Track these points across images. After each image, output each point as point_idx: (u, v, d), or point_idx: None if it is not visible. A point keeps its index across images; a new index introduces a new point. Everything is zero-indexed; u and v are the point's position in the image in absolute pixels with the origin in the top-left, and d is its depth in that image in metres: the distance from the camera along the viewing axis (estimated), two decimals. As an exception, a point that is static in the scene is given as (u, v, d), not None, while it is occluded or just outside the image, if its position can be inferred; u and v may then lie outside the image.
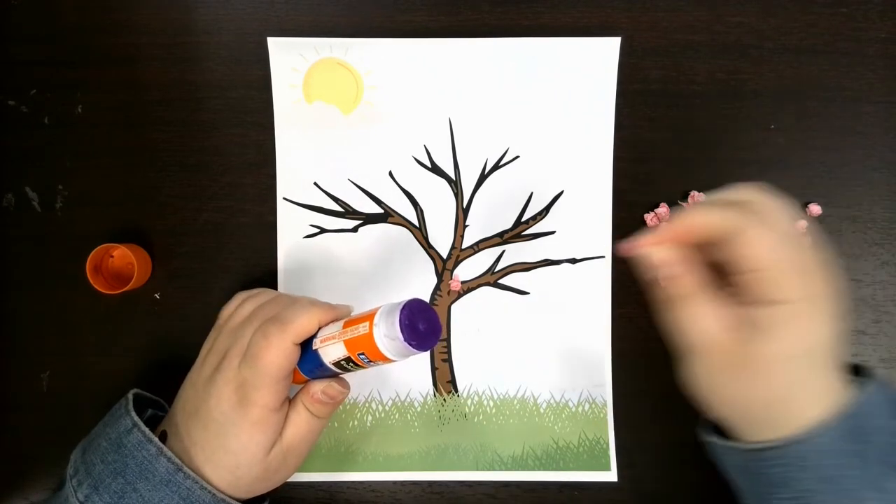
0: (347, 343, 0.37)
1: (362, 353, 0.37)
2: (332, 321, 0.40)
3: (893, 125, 0.51)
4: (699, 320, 0.34)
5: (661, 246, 0.35)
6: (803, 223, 0.45)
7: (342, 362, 0.38)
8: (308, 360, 0.40)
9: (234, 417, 0.39)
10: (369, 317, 0.37)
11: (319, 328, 0.40)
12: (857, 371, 0.38)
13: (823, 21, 0.51)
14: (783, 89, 0.51)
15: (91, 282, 0.47)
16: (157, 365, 0.50)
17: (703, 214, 0.34)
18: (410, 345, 0.35)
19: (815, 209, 0.50)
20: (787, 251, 0.33)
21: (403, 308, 0.36)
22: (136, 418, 0.40)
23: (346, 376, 0.42)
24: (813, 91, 0.51)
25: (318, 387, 0.41)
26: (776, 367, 0.33)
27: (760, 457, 0.35)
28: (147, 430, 0.39)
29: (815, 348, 0.33)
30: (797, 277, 0.32)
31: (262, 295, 0.44)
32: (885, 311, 0.50)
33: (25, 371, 0.50)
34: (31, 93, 0.51)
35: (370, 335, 0.36)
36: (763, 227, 0.33)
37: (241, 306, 0.44)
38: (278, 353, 0.38)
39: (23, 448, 0.50)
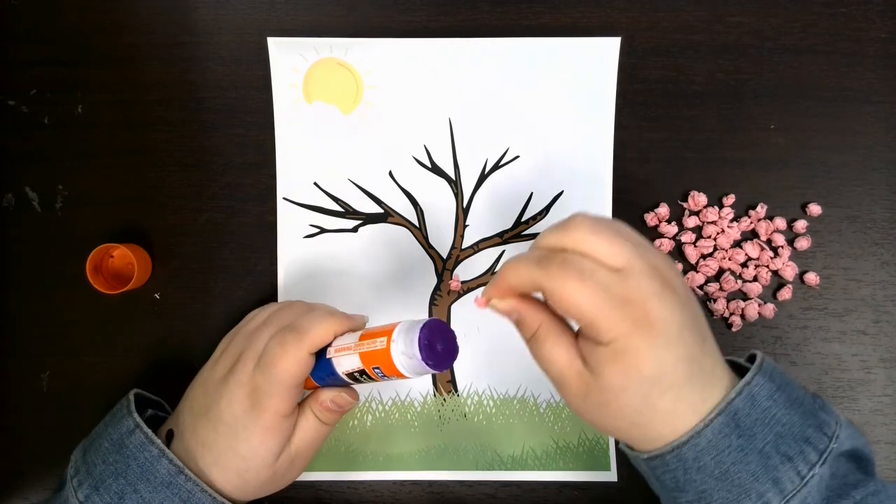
0: (363, 356, 0.37)
1: (377, 368, 0.37)
2: (348, 331, 0.40)
3: (893, 125, 0.51)
4: (551, 358, 0.36)
5: (498, 299, 0.36)
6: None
7: (355, 374, 0.38)
8: (320, 368, 0.40)
9: (246, 422, 0.39)
10: (387, 332, 0.37)
11: (335, 338, 0.40)
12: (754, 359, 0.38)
13: (823, 21, 0.51)
14: (783, 89, 0.51)
15: (91, 282, 0.47)
16: (157, 365, 0.50)
17: (514, 273, 0.35)
18: (427, 364, 0.36)
19: (815, 209, 0.50)
20: (596, 296, 0.32)
21: (423, 327, 0.36)
22: (139, 419, 0.40)
23: (356, 386, 0.42)
24: (813, 91, 0.51)
25: (328, 395, 0.41)
26: (615, 400, 0.34)
27: (651, 465, 0.36)
28: (149, 431, 0.39)
29: (650, 377, 0.33)
30: (611, 318, 0.33)
31: (284, 303, 0.45)
32: (885, 311, 0.50)
33: (25, 371, 0.50)
34: (31, 93, 0.51)
35: (387, 351, 0.36)
36: (566, 280, 0.33)
37: (261, 311, 0.44)
38: (294, 361, 0.38)
39: (23, 448, 0.50)
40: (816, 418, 0.36)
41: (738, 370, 0.37)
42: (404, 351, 0.36)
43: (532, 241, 0.38)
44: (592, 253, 0.34)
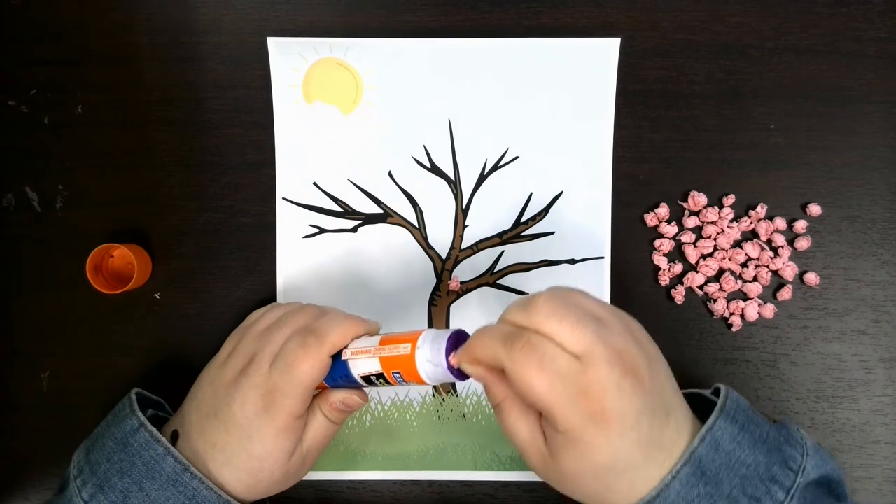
0: (383, 360, 0.38)
1: (397, 373, 0.37)
2: (364, 334, 0.40)
3: (893, 125, 0.50)
4: (513, 426, 0.37)
5: (468, 365, 0.36)
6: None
7: (372, 377, 0.39)
8: (334, 370, 0.40)
9: (259, 423, 0.39)
10: (412, 338, 0.37)
11: (351, 340, 0.40)
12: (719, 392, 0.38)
13: (823, 21, 0.51)
14: (783, 89, 0.51)
15: (91, 282, 0.47)
16: (157, 365, 0.50)
17: (481, 347, 0.35)
18: (452, 373, 0.36)
19: (815, 209, 0.50)
20: (552, 386, 0.33)
21: (450, 337, 0.37)
22: (143, 418, 0.40)
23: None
24: (813, 91, 0.51)
25: (339, 396, 0.41)
26: (574, 481, 0.35)
27: None
28: (154, 429, 0.40)
29: (604, 464, 0.34)
30: (565, 409, 0.33)
31: (292, 305, 0.45)
32: (885, 312, 0.50)
33: (25, 371, 0.50)
34: (31, 93, 0.51)
35: (411, 357, 0.37)
36: (531, 367, 0.33)
37: (269, 311, 0.44)
38: (314, 363, 0.38)
39: (23, 448, 0.50)
40: (781, 453, 0.36)
41: (704, 402, 0.38)
42: (430, 359, 0.36)
43: (512, 304, 0.37)
44: (554, 337, 0.34)
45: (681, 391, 0.38)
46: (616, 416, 0.33)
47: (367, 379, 0.39)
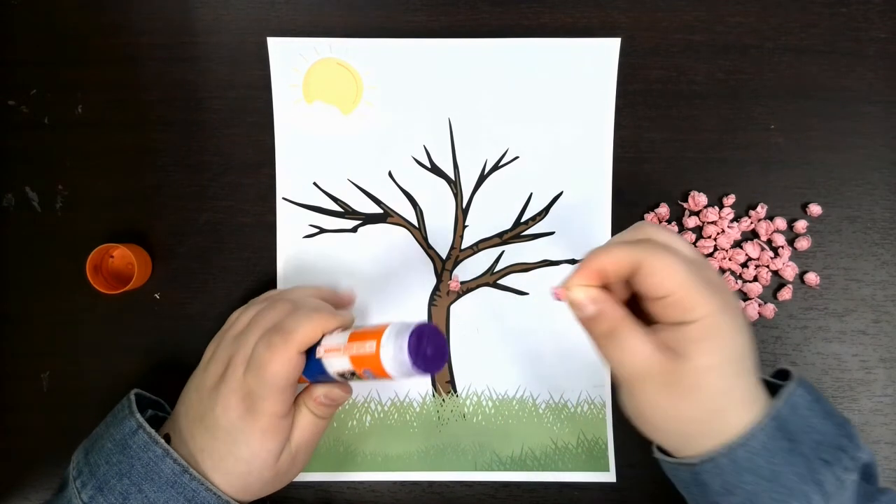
0: (353, 359, 0.37)
1: (367, 370, 0.37)
2: (336, 328, 0.40)
3: (893, 125, 0.50)
4: (628, 351, 0.36)
5: (582, 288, 0.36)
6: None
7: (346, 374, 0.38)
8: (311, 367, 0.40)
9: (243, 426, 0.39)
10: (377, 334, 0.37)
11: (323, 335, 0.40)
12: (783, 375, 0.39)
13: (823, 21, 0.51)
14: (783, 89, 0.51)
15: (91, 282, 0.47)
16: (157, 365, 0.50)
17: (608, 254, 0.36)
18: (417, 368, 0.36)
19: (815, 209, 0.50)
20: (690, 272, 0.34)
21: (412, 333, 0.36)
22: (141, 419, 0.40)
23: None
24: (813, 91, 0.51)
25: (321, 390, 0.41)
26: (702, 381, 0.35)
27: (703, 469, 0.36)
28: (152, 431, 0.39)
29: (734, 356, 0.35)
30: (703, 295, 0.34)
31: (266, 301, 0.44)
32: (885, 311, 0.50)
33: (25, 371, 0.50)
34: (31, 93, 0.51)
35: (377, 355, 0.36)
36: (664, 255, 0.35)
37: (244, 313, 0.44)
38: (283, 362, 0.38)
39: (23, 448, 0.50)
40: (846, 429, 0.37)
41: (767, 386, 0.39)
42: (394, 356, 0.36)
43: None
44: (674, 243, 0.37)
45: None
46: (736, 309, 0.36)
47: (343, 376, 0.39)
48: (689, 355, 0.34)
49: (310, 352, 0.39)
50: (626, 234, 0.38)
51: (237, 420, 0.39)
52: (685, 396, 0.35)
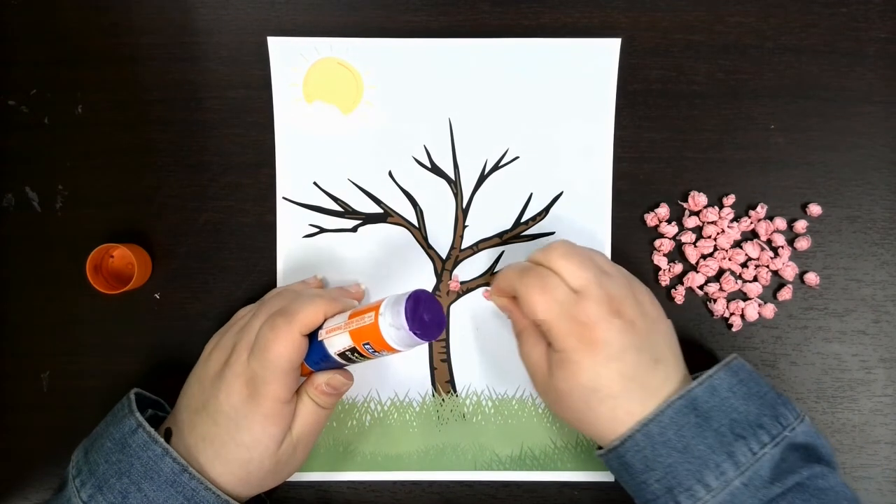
0: (353, 333, 0.38)
1: (367, 343, 0.38)
2: (338, 313, 0.40)
3: (893, 125, 0.50)
4: (528, 352, 0.43)
5: (496, 297, 0.47)
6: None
7: (347, 353, 0.39)
8: (314, 352, 0.40)
9: (245, 411, 0.39)
10: (374, 307, 0.38)
11: (325, 320, 0.40)
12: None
13: (823, 21, 0.51)
14: (783, 89, 0.51)
15: (91, 282, 0.47)
16: (157, 365, 0.50)
17: (503, 277, 0.44)
18: (415, 334, 0.37)
19: (815, 209, 0.50)
20: (556, 308, 0.40)
21: (409, 298, 0.37)
22: (141, 418, 0.40)
23: (350, 368, 0.43)
24: (813, 91, 0.51)
25: (323, 378, 0.41)
26: (566, 399, 0.41)
27: (625, 449, 0.39)
28: (152, 430, 0.40)
29: (588, 386, 0.39)
30: (566, 330, 0.39)
31: (271, 293, 0.46)
32: (885, 311, 0.50)
33: (25, 371, 0.50)
34: (31, 93, 0.51)
35: (375, 325, 0.37)
36: (536, 290, 0.40)
37: (250, 311, 0.45)
38: (286, 344, 0.39)
39: (23, 448, 0.50)
40: (774, 410, 0.40)
41: None
42: (392, 322, 0.37)
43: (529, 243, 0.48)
44: (560, 272, 0.41)
45: (681, 354, 0.43)
46: (602, 343, 0.39)
47: (343, 356, 0.39)
48: (553, 376, 0.41)
49: (312, 340, 0.40)
50: (534, 254, 0.43)
51: (240, 405, 0.39)
52: (557, 404, 0.42)
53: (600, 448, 0.42)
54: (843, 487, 0.39)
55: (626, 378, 0.39)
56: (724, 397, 0.39)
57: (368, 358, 0.39)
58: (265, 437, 0.39)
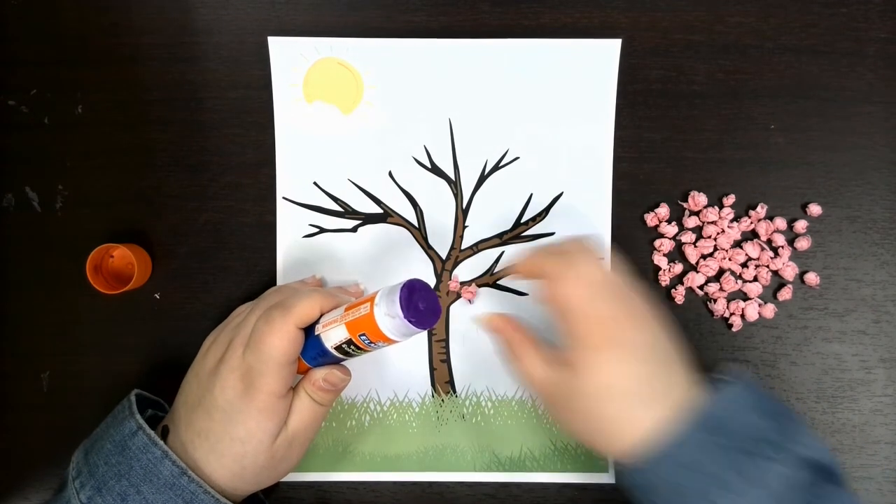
0: (349, 325, 0.38)
1: (363, 335, 0.38)
2: (334, 308, 0.40)
3: (893, 125, 0.50)
4: (528, 367, 0.42)
5: (485, 318, 0.45)
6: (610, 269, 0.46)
7: (344, 346, 0.39)
8: (311, 347, 0.40)
9: (240, 405, 0.39)
10: (370, 298, 0.38)
11: (322, 315, 0.40)
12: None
13: (823, 21, 0.51)
14: (783, 89, 0.51)
15: (91, 282, 0.47)
16: (157, 365, 0.50)
17: (534, 258, 0.42)
18: (410, 322, 0.36)
19: (815, 209, 0.50)
20: (592, 301, 0.39)
21: (403, 287, 0.37)
22: (141, 420, 0.40)
23: (348, 363, 0.43)
24: (813, 91, 0.51)
25: (320, 374, 0.41)
26: (586, 401, 0.39)
27: (641, 470, 0.38)
28: (152, 432, 0.40)
29: (619, 385, 0.38)
30: (600, 325, 0.39)
31: (271, 289, 0.46)
32: (885, 311, 0.50)
33: (25, 371, 0.50)
34: (31, 93, 0.51)
35: (371, 315, 0.37)
36: (575, 277, 0.40)
37: (246, 308, 0.45)
38: (282, 336, 0.39)
39: (23, 448, 0.50)
40: (781, 426, 0.38)
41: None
42: (387, 312, 0.37)
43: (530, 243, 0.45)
44: (589, 268, 0.40)
45: (686, 360, 0.42)
46: (626, 341, 0.39)
47: (340, 349, 0.39)
48: (576, 376, 0.39)
49: (309, 335, 0.40)
50: (553, 244, 0.43)
51: (235, 399, 0.39)
52: (573, 412, 0.40)
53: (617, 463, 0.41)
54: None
55: (647, 383, 0.39)
56: (739, 413, 0.39)
57: (365, 350, 0.39)
58: (259, 432, 0.39)
